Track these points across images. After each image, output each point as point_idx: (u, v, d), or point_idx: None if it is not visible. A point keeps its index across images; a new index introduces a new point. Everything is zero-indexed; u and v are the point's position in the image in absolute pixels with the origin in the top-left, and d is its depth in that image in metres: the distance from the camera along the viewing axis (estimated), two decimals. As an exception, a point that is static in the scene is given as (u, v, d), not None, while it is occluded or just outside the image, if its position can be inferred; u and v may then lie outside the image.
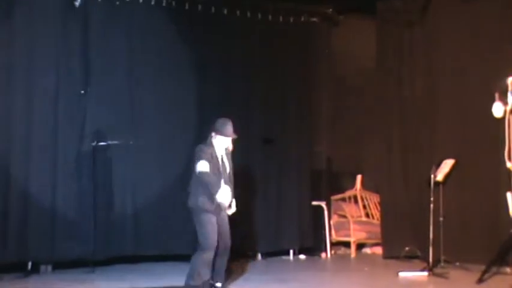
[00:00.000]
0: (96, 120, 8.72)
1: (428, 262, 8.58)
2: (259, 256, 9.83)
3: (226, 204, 6.91)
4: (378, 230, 10.38)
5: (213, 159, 6.89)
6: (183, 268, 8.83)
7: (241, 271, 8.52)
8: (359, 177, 10.90)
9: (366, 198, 10.92)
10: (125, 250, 8.94)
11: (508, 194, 8.31)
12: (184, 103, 9.33)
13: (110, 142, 8.69)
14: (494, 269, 7.98)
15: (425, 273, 8.42)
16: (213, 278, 7.01)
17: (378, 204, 10.68)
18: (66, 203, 8.50)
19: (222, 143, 6.99)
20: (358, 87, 10.86)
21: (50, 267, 8.48)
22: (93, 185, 8.57)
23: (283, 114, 10.05)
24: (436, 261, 8.62)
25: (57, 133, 8.50)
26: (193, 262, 6.88)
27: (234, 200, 7.11)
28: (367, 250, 10.75)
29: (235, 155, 7.33)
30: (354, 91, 10.90)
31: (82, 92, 8.56)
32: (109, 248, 8.76)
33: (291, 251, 10.16)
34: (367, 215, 10.83)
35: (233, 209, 7.10)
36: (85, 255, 8.46)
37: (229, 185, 6.97)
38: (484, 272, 7.82)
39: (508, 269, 8.18)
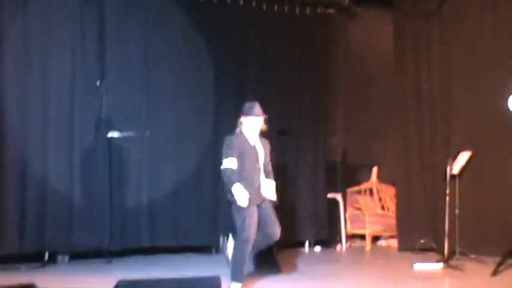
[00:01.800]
0: (112, 111, 8.76)
1: (443, 254, 8.57)
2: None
3: (244, 201, 6.68)
4: (393, 222, 10.37)
5: (245, 151, 6.76)
6: (200, 259, 8.96)
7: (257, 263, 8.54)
8: (375, 170, 10.89)
9: (381, 190, 10.90)
10: (141, 241, 8.98)
11: (524, 187, 8.30)
12: (200, 94, 9.36)
13: (125, 133, 8.73)
14: (509, 261, 7.96)
15: (441, 266, 8.40)
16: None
17: (393, 197, 10.66)
18: (83, 193, 8.55)
19: (253, 126, 6.82)
20: (375, 79, 10.83)
21: (66, 258, 8.55)
22: (109, 176, 8.62)
23: (299, 106, 10.05)
24: (452, 254, 8.60)
25: (73, 124, 8.55)
26: (233, 258, 6.75)
27: (272, 187, 6.94)
28: (382, 243, 10.75)
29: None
30: (371, 83, 10.88)
31: (98, 83, 8.61)
32: (125, 239, 8.81)
33: (306, 243, 10.18)
34: (382, 208, 10.81)
35: (272, 196, 6.93)
36: (101, 246, 8.52)
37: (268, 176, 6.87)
38: (500, 264, 7.80)
39: (523, 261, 8.16)
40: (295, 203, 9.96)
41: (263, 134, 7.02)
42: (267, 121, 6.93)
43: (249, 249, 6.69)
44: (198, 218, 9.29)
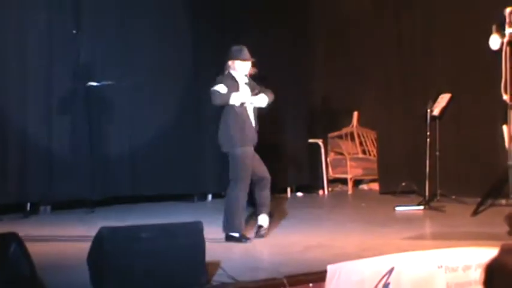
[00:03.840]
0: (90, 60, 8.65)
1: (424, 196, 8.63)
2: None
3: (247, 100, 6.59)
4: (374, 166, 10.44)
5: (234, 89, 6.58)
6: (182, 207, 8.98)
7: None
8: (355, 114, 10.90)
9: (362, 135, 10.94)
10: (123, 190, 8.97)
11: (504, 127, 8.33)
12: (179, 42, 9.27)
13: (104, 83, 8.64)
14: (489, 201, 8.04)
15: (422, 208, 8.47)
16: (257, 210, 6.84)
17: (374, 141, 10.71)
18: (63, 144, 8.51)
19: (241, 70, 6.67)
20: (354, 22, 10.74)
21: (48, 208, 8.53)
22: (89, 126, 8.56)
23: (278, 51, 9.97)
24: (432, 196, 8.66)
25: (51, 74, 8.44)
26: (227, 206, 6.62)
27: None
28: (364, 186, 10.83)
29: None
30: (351, 26, 10.80)
31: (74, 32, 8.47)
32: (107, 189, 8.79)
33: (288, 189, 10.22)
34: (363, 152, 10.87)
35: (262, 100, 6.74)
36: (83, 196, 8.50)
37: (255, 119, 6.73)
38: (479, 205, 7.88)
39: (503, 201, 8.20)
40: (276, 149, 9.94)
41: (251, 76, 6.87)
42: (255, 64, 6.79)
43: (243, 195, 6.61)
44: (180, 167, 9.28)
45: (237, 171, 6.61)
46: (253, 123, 6.77)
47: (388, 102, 10.03)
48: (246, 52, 6.73)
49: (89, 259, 4.79)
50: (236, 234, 6.57)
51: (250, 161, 6.67)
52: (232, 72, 6.71)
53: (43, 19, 8.38)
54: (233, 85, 6.64)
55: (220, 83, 6.59)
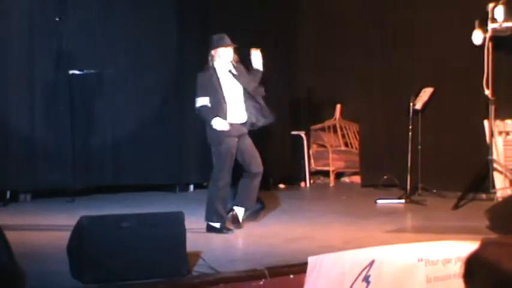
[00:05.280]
0: (73, 48, 8.58)
1: (406, 190, 8.66)
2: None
3: (226, 127, 6.56)
4: (356, 159, 10.45)
5: (217, 86, 6.59)
6: (164, 197, 8.95)
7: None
8: (338, 107, 10.91)
9: (345, 127, 10.95)
10: (104, 180, 8.92)
11: (485, 122, 8.40)
12: (162, 31, 9.21)
13: (86, 71, 8.58)
14: (470, 196, 8.09)
15: (403, 201, 8.50)
16: (236, 201, 6.81)
17: (357, 134, 10.72)
18: (45, 132, 8.44)
19: (225, 58, 6.64)
20: (339, 15, 10.73)
21: (28, 196, 8.46)
22: (71, 114, 8.49)
23: (264, 43, 9.91)
24: (414, 189, 8.69)
25: (33, 62, 8.37)
26: (209, 198, 6.64)
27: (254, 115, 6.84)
28: (346, 179, 10.84)
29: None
30: (336, 19, 10.79)
31: (57, 19, 8.40)
32: (89, 178, 8.73)
33: (270, 180, 10.20)
34: (346, 145, 10.88)
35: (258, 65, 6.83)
36: (64, 184, 8.43)
37: (249, 102, 6.75)
38: (460, 199, 7.93)
39: (483, 195, 8.28)
40: (258, 141, 9.89)
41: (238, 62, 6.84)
42: (237, 51, 6.77)
43: (223, 190, 6.61)
44: (162, 156, 9.24)
45: (219, 163, 6.59)
46: (245, 115, 6.75)
47: (370, 96, 10.04)
48: (227, 39, 6.69)
49: (69, 248, 4.77)
50: (217, 225, 6.56)
51: (233, 152, 6.62)
52: (216, 63, 6.66)
53: (25, 6, 8.30)
54: (214, 80, 6.61)
55: (199, 89, 6.60)
